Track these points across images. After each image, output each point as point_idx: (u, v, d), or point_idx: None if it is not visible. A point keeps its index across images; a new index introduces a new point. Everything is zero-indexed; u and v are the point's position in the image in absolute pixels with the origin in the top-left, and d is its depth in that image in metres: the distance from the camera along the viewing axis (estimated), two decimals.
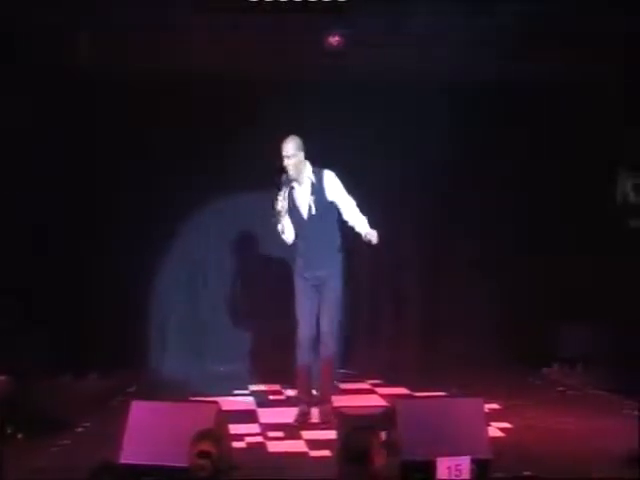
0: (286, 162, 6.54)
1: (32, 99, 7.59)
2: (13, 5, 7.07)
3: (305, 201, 6.64)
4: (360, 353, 8.59)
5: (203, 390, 7.33)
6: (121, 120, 8.13)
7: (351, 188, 6.75)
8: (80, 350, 7.93)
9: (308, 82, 8.15)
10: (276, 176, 6.55)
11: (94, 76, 7.85)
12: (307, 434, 6.36)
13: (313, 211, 6.62)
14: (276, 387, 7.88)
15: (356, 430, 4.34)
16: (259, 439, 6.31)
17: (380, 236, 6.52)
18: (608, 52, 7.69)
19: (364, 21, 7.44)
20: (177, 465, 4.85)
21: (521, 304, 8.60)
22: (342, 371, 7.78)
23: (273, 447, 6.13)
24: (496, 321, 8.66)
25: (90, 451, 5.60)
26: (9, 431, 6.01)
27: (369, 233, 6.52)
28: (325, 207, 6.64)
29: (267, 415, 7.00)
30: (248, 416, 6.92)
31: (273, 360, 8.03)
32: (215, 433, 4.93)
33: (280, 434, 6.41)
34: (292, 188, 6.62)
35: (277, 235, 6.63)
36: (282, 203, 6.51)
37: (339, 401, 7.01)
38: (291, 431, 6.45)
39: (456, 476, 4.74)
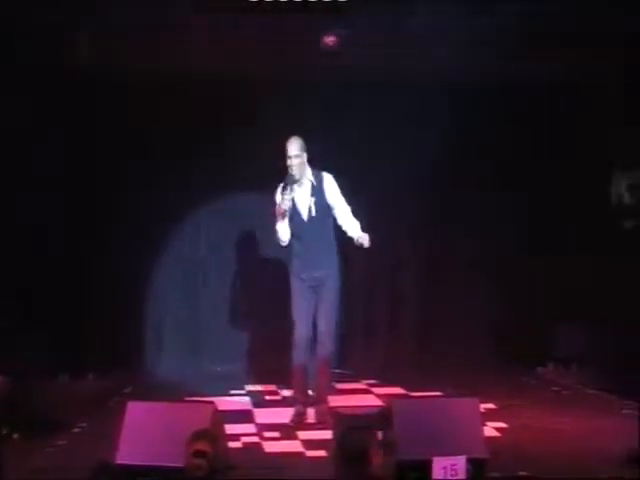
0: (290, 162, 6.54)
1: (32, 99, 7.58)
2: (13, 5, 7.06)
3: (305, 203, 6.62)
4: (356, 353, 8.60)
5: (199, 390, 7.33)
6: (121, 120, 8.13)
7: (351, 188, 6.76)
8: (79, 350, 7.94)
9: (308, 82, 8.15)
10: (286, 177, 6.54)
11: (94, 76, 7.84)
12: (303, 434, 6.36)
13: (313, 213, 6.61)
14: (272, 387, 7.90)
15: (352, 430, 4.35)
16: (255, 439, 6.31)
17: (380, 236, 6.52)
18: (608, 52, 7.67)
19: (364, 21, 7.43)
20: (173, 465, 4.88)
21: (518, 304, 8.59)
22: (338, 371, 7.77)
23: (269, 447, 6.13)
24: (491, 321, 8.68)
25: (86, 451, 5.62)
26: (4, 432, 6.01)
27: (361, 237, 6.50)
28: (324, 209, 6.63)
29: (263, 415, 7.00)
30: (244, 416, 6.93)
31: (269, 360, 8.03)
32: (211, 433, 4.95)
33: (276, 434, 6.41)
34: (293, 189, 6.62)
35: (274, 236, 6.61)
36: (289, 203, 6.51)
37: (335, 401, 7.02)
38: (287, 431, 6.45)
39: (452, 476, 4.75)
